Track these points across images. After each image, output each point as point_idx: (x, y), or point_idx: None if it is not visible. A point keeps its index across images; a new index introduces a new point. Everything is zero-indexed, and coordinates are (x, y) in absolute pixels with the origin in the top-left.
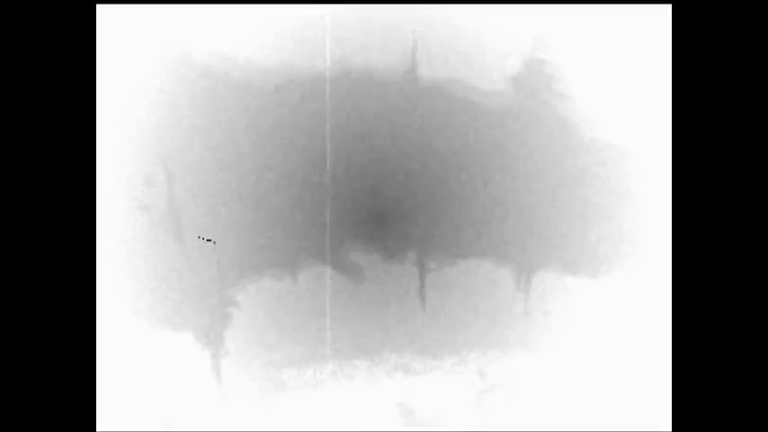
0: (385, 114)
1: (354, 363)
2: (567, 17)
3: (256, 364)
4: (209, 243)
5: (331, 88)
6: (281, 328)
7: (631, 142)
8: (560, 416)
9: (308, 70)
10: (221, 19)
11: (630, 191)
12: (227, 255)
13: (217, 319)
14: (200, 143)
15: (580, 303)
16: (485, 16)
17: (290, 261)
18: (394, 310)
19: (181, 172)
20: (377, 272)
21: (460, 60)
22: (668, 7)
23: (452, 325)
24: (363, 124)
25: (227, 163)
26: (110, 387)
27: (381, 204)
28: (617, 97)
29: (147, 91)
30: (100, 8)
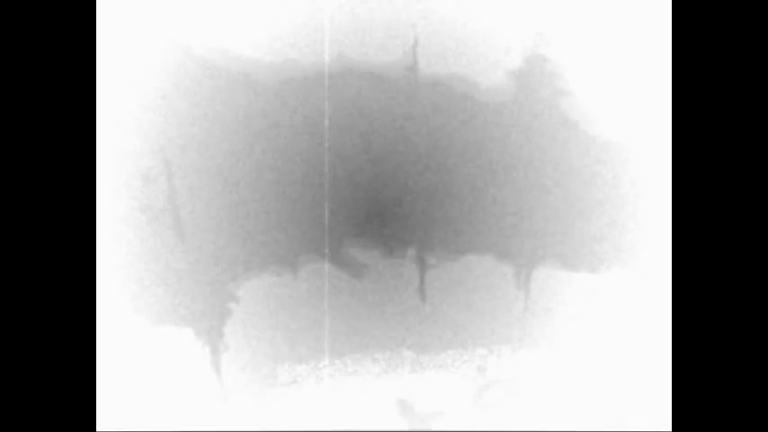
0: (385, 109)
1: (354, 359)
2: (567, 12)
3: (255, 360)
4: (209, 239)
5: (330, 84)
6: (280, 325)
7: (632, 139)
8: (560, 412)
9: (307, 67)
10: (221, 14)
11: (631, 187)
12: (227, 251)
13: (217, 314)
14: (200, 139)
15: (580, 299)
16: (486, 11)
17: (290, 257)
18: (393, 306)
19: (180, 168)
20: (377, 268)
21: (461, 56)
22: (668, 2)
23: (452, 321)
24: (363, 120)
25: (226, 159)
26: (110, 387)
27: (381, 201)
28: (618, 94)
29: (147, 86)
30: (100, 1)
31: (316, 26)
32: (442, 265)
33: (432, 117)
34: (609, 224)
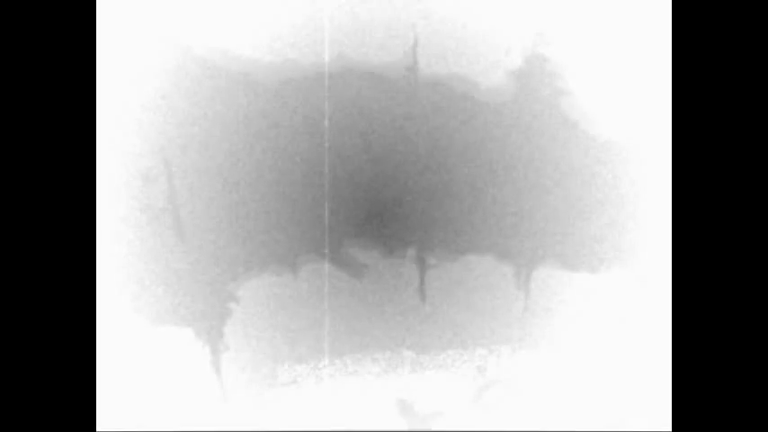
0: (385, 109)
1: (354, 359)
2: (567, 12)
3: (255, 360)
4: (209, 239)
5: (330, 84)
6: (280, 325)
7: (632, 139)
8: (560, 412)
9: (307, 67)
10: (221, 14)
11: (631, 187)
12: (227, 251)
13: (217, 314)
14: (200, 139)
15: (580, 299)
16: (486, 11)
17: (290, 257)
18: (393, 306)
19: (180, 168)
20: (377, 268)
21: (461, 56)
22: (668, 2)
23: (452, 321)
24: (363, 120)
25: (226, 159)
26: (110, 387)
27: (381, 201)
28: (617, 94)
29: (147, 86)
30: (100, 1)
31: (316, 26)
32: (441, 265)
33: (432, 117)
34: (609, 224)
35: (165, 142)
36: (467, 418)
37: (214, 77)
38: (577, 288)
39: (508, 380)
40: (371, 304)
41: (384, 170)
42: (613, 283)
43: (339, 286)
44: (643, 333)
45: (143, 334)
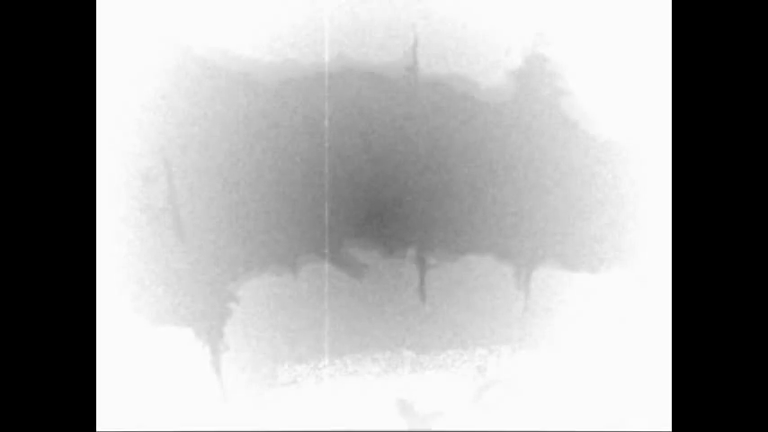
0: (385, 109)
1: (354, 359)
2: (567, 12)
3: (255, 360)
4: (209, 239)
5: (330, 84)
6: (280, 325)
7: (632, 139)
8: (560, 412)
9: (307, 67)
10: (221, 14)
11: (631, 187)
12: (227, 251)
13: (217, 314)
14: (200, 139)
15: (580, 299)
16: (486, 11)
17: (290, 257)
18: (393, 306)
19: (180, 168)
20: (377, 268)
21: (461, 56)
22: (668, 3)
23: (452, 321)
24: (363, 120)
25: (226, 159)
26: (110, 387)
27: (381, 201)
28: (617, 94)
29: (147, 86)
30: (100, 1)
31: (316, 26)
32: (441, 265)
33: (432, 117)
34: (609, 224)
35: (165, 142)
36: (467, 418)
37: (214, 77)
38: (577, 288)
39: (508, 380)
40: (371, 304)
41: (384, 170)
42: (613, 283)
43: (339, 286)
44: (643, 333)
45: (143, 334)
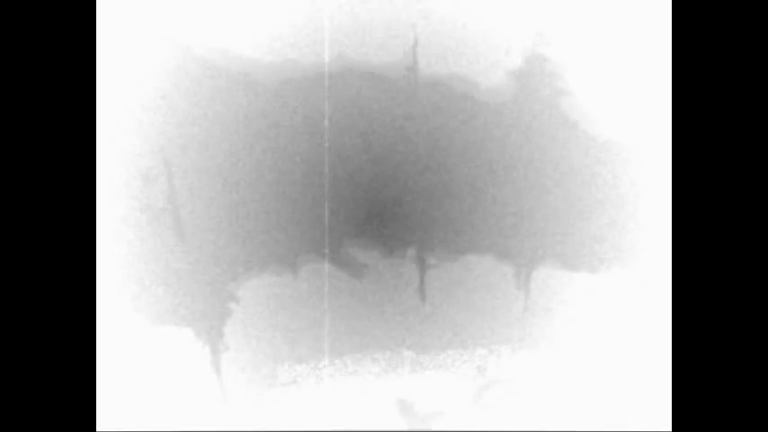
0: (385, 109)
1: (354, 359)
2: (567, 12)
3: (255, 360)
4: (209, 239)
5: (330, 84)
6: (280, 325)
7: (632, 139)
8: (560, 412)
9: (307, 67)
10: (221, 14)
11: (631, 187)
12: (227, 251)
13: (217, 314)
14: (200, 139)
15: (580, 299)
16: (486, 11)
17: (290, 257)
18: (393, 306)
19: (180, 168)
20: (377, 268)
21: (461, 56)
22: (668, 3)
23: (452, 321)
24: (363, 120)
25: (226, 159)
26: (110, 387)
27: (381, 201)
28: (617, 94)
29: (147, 86)
30: (100, 2)
31: (316, 26)
32: (442, 265)
33: (432, 117)
34: (609, 224)
35: (165, 142)
36: (467, 418)
37: (214, 77)
38: (577, 288)
39: (508, 380)
40: (371, 304)
41: (384, 170)
42: (613, 283)
43: (339, 286)
44: (643, 333)
45: (143, 334)
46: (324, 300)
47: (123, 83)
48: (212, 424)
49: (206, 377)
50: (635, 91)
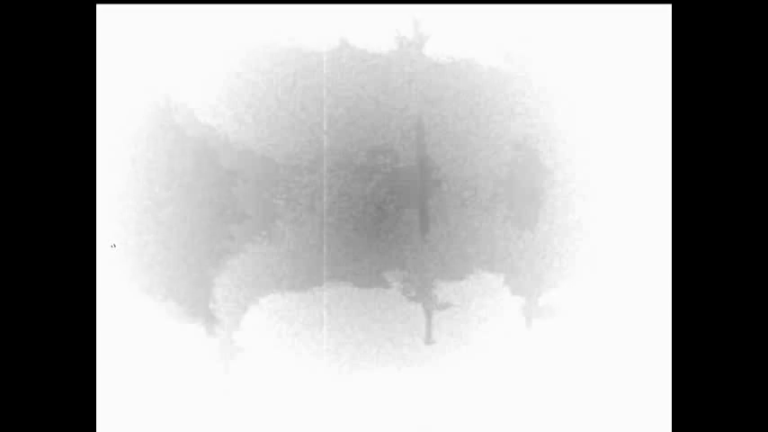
0: (383, 94)
1: (354, 361)
2: (566, 17)
3: (256, 360)
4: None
5: (328, 68)
6: (280, 324)
7: (632, 142)
8: (560, 412)
9: (304, 50)
10: (220, 12)
11: (630, 191)
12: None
13: (228, 315)
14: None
15: (579, 302)
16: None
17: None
18: (394, 312)
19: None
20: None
21: (463, 42)
22: (668, 7)
23: (454, 328)
24: (360, 104)
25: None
26: (110, 387)
27: (380, 200)
28: (617, 98)
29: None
30: (100, 8)
31: (314, 13)
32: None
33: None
34: (608, 225)
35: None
36: (468, 422)
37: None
38: (577, 290)
39: (509, 385)
40: (372, 308)
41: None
42: (613, 285)
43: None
44: (643, 333)
45: (143, 334)
46: (322, 309)
47: (123, 83)
48: (212, 424)
49: (206, 377)
50: (635, 97)
